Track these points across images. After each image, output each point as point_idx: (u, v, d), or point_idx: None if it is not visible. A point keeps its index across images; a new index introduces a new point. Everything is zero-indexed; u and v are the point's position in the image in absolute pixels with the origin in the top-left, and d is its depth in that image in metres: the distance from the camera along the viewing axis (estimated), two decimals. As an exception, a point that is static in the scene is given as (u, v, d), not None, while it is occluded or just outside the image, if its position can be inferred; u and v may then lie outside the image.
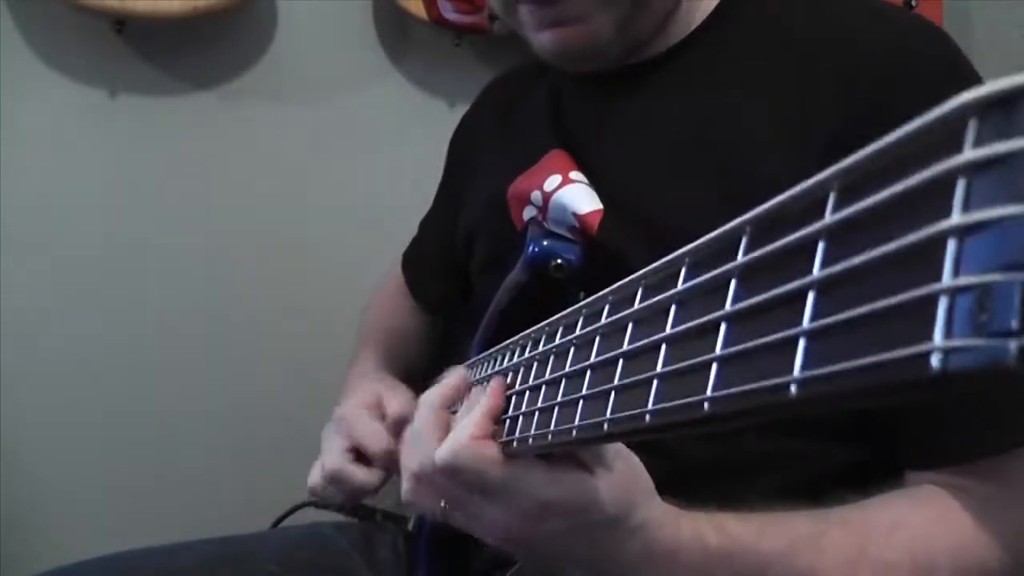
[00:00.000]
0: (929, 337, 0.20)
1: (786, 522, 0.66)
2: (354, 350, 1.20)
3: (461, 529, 0.64)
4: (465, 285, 1.10)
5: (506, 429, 0.57)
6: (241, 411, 1.65)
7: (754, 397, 0.27)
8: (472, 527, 0.63)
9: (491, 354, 0.69)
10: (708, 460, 0.76)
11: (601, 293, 0.46)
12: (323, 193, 1.69)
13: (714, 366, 0.31)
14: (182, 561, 0.96)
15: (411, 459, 0.62)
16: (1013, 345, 0.19)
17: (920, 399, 0.22)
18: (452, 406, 0.65)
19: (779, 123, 0.75)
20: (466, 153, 1.15)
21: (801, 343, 0.25)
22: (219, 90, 1.64)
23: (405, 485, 0.66)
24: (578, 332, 0.49)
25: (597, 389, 0.43)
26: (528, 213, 0.89)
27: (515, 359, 0.60)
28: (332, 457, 0.93)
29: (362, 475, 0.91)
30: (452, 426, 0.61)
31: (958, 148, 0.21)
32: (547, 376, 0.52)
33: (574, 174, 0.85)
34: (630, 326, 0.41)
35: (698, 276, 0.34)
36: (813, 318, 0.25)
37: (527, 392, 0.55)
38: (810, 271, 0.26)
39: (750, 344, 0.28)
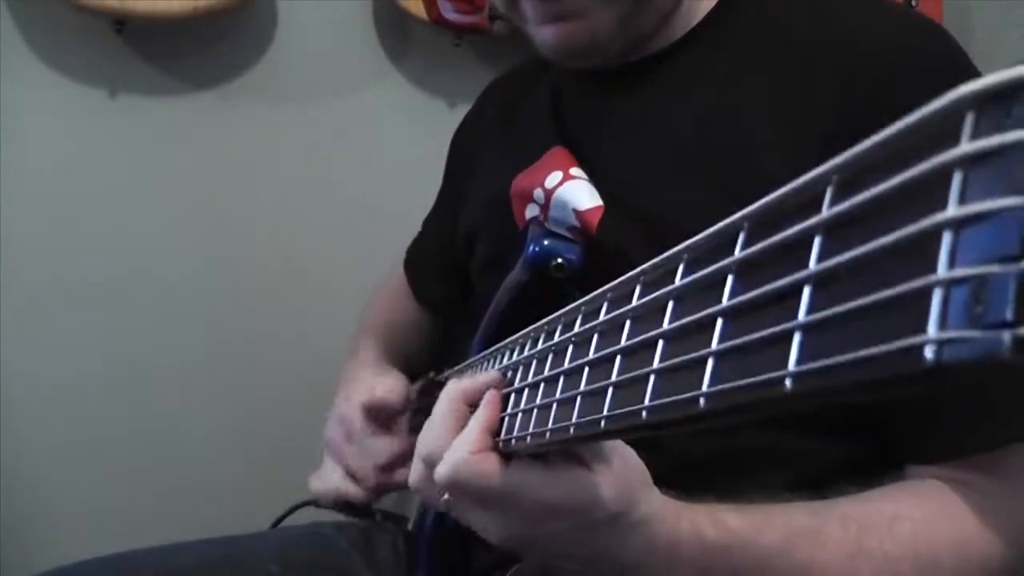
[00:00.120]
0: (923, 329, 0.20)
1: (785, 515, 0.66)
2: (354, 343, 1.20)
3: (463, 523, 0.64)
4: (466, 285, 1.10)
5: (504, 428, 0.57)
6: (241, 411, 1.65)
7: (749, 392, 0.27)
8: (475, 527, 0.63)
9: (491, 353, 0.69)
10: (707, 456, 0.76)
11: (600, 290, 0.46)
12: (323, 193, 1.69)
13: (710, 362, 0.31)
14: (182, 561, 0.96)
15: (423, 445, 0.62)
16: (1007, 336, 0.19)
17: (916, 392, 0.22)
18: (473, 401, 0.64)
19: (779, 121, 0.75)
20: (467, 153, 1.15)
21: (796, 337, 0.25)
22: (219, 90, 1.64)
23: (415, 470, 0.66)
24: (577, 330, 0.49)
25: (594, 386, 0.43)
26: (531, 211, 0.89)
27: (514, 357, 0.60)
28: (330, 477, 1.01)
29: (360, 495, 1.00)
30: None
31: (955, 141, 0.21)
32: (545, 374, 0.52)
33: (575, 171, 0.86)
34: (628, 323, 0.41)
35: (696, 272, 0.34)
36: (809, 312, 0.25)
37: (526, 390, 0.55)
38: (807, 266, 0.26)
39: (745, 339, 0.28)
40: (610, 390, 0.41)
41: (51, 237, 1.56)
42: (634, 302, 0.40)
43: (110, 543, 0.99)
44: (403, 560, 1.02)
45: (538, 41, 0.86)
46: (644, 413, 0.36)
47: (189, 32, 1.59)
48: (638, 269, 0.41)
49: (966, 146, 0.21)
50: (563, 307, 0.53)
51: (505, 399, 0.58)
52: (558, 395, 0.49)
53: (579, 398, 0.45)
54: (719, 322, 0.31)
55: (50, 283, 1.56)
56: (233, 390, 1.65)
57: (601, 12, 0.81)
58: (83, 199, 1.58)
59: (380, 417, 1.01)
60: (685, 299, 0.35)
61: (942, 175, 0.21)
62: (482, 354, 0.73)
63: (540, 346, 0.55)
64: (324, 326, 1.57)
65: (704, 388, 0.31)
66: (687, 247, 0.36)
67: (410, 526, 1.05)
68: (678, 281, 0.36)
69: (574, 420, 0.45)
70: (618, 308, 0.43)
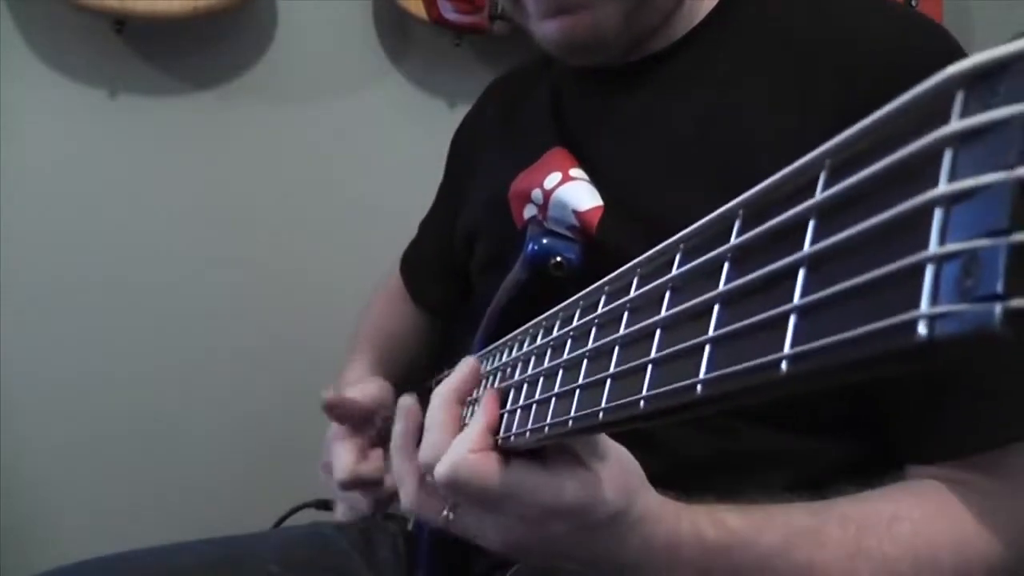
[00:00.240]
0: (916, 305, 0.20)
1: (785, 515, 0.66)
2: (350, 352, 1.20)
3: (464, 535, 0.64)
4: (464, 286, 1.10)
5: (503, 425, 0.57)
6: (241, 411, 1.65)
7: (746, 377, 0.27)
8: (475, 536, 0.63)
9: (491, 350, 0.69)
10: (706, 457, 0.76)
11: (597, 284, 0.46)
12: (323, 193, 1.69)
13: (706, 348, 0.31)
14: (182, 561, 0.96)
15: (421, 451, 0.62)
16: (998, 309, 0.19)
17: (911, 368, 0.22)
18: (465, 398, 0.64)
19: (779, 121, 0.75)
20: (467, 153, 1.15)
21: (792, 320, 0.25)
22: (219, 90, 1.64)
23: (407, 491, 0.65)
24: (575, 324, 0.49)
25: (593, 378, 0.43)
26: (529, 211, 0.89)
27: (514, 353, 0.60)
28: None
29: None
30: (464, 421, 0.61)
31: (945, 120, 0.21)
32: (544, 367, 0.52)
33: (574, 171, 0.85)
34: (626, 314, 0.41)
35: (691, 262, 0.34)
36: (803, 295, 0.25)
37: (525, 385, 0.55)
38: (801, 250, 0.26)
39: (741, 324, 0.28)
40: (608, 381, 0.41)
41: (51, 237, 1.56)
42: (631, 294, 0.40)
43: (110, 543, 0.99)
44: (403, 560, 1.02)
45: (540, 37, 0.85)
46: (642, 403, 0.36)
47: (189, 32, 1.59)
48: (634, 261, 0.41)
49: (956, 124, 0.21)
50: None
51: (504, 396, 0.58)
52: (557, 389, 0.49)
53: (578, 391, 0.45)
54: (715, 309, 0.31)
55: (50, 283, 1.56)
56: (233, 390, 1.65)
57: (607, 6, 0.81)
58: (83, 199, 1.58)
59: (348, 417, 0.99)
60: (682, 289, 0.35)
61: (933, 153, 0.21)
62: (481, 352, 0.73)
63: (539, 342, 0.55)
64: (324, 326, 1.57)
65: (701, 375, 0.31)
66: (683, 237, 0.36)
67: (410, 526, 1.05)
68: (674, 271, 0.36)
69: (573, 413, 0.45)
70: (615, 300, 0.43)
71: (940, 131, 0.21)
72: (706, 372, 0.30)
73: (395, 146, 1.71)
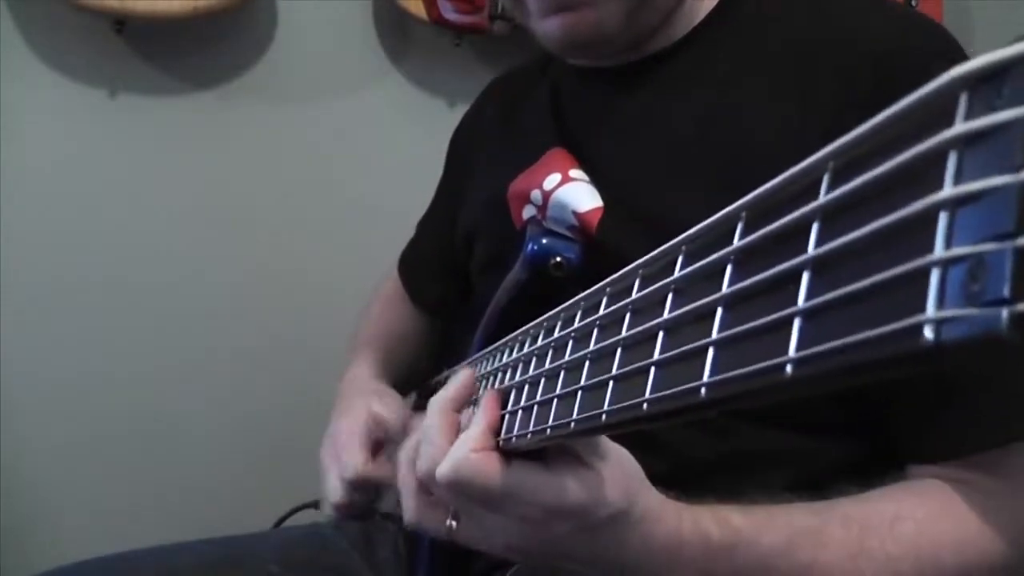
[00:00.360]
0: (922, 309, 0.20)
1: (787, 515, 0.66)
2: (351, 351, 1.20)
3: (467, 542, 0.63)
4: (463, 286, 1.10)
5: (504, 426, 0.56)
6: (241, 411, 1.65)
7: (750, 380, 0.27)
8: (478, 541, 0.63)
9: (491, 351, 0.69)
10: (707, 457, 0.76)
11: (599, 285, 0.46)
12: (323, 193, 1.69)
13: (710, 351, 0.31)
14: (182, 561, 0.96)
15: (420, 462, 0.61)
16: (1005, 313, 0.19)
17: (916, 373, 0.22)
18: (462, 407, 0.64)
19: (779, 121, 0.75)
20: (466, 153, 1.15)
21: (796, 323, 0.25)
22: (219, 90, 1.65)
23: (409, 502, 0.65)
24: (576, 325, 0.48)
25: (595, 380, 0.43)
26: (528, 212, 0.89)
27: (514, 354, 0.60)
28: (331, 486, 0.96)
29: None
30: (462, 428, 0.61)
31: (949, 122, 0.21)
32: (545, 369, 0.52)
33: (574, 172, 0.85)
34: (628, 316, 0.41)
35: (694, 264, 0.34)
36: (808, 298, 0.25)
37: (526, 387, 0.55)
38: (805, 252, 0.26)
39: (745, 327, 0.28)
40: (611, 383, 0.41)
41: (51, 237, 1.56)
42: (633, 295, 0.40)
43: (110, 543, 0.99)
44: (403, 560, 1.01)
45: (541, 34, 0.85)
46: (645, 405, 0.36)
47: (189, 32, 1.59)
48: (637, 263, 0.41)
49: (960, 127, 0.21)
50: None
51: (505, 397, 0.58)
52: (558, 390, 0.49)
53: (580, 392, 0.45)
54: (719, 311, 0.31)
55: (50, 283, 1.56)
56: (233, 390, 1.65)
57: (609, 4, 0.80)
58: (83, 199, 1.58)
59: (377, 435, 0.99)
60: (684, 291, 0.35)
61: (937, 156, 0.21)
62: (481, 353, 0.73)
63: (539, 343, 0.55)
64: (324, 326, 1.57)
65: (705, 378, 0.31)
66: (685, 239, 0.36)
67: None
68: (677, 273, 0.36)
69: (575, 415, 0.45)
70: (618, 302, 0.43)
71: (944, 134, 0.21)
72: (710, 375, 0.30)
73: (395, 146, 1.71)
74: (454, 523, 0.62)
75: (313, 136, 1.69)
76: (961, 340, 0.20)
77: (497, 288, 0.85)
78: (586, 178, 0.85)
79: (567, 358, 0.49)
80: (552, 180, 0.86)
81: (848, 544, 0.65)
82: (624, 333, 0.41)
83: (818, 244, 0.25)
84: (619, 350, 0.41)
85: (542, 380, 0.52)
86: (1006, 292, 0.19)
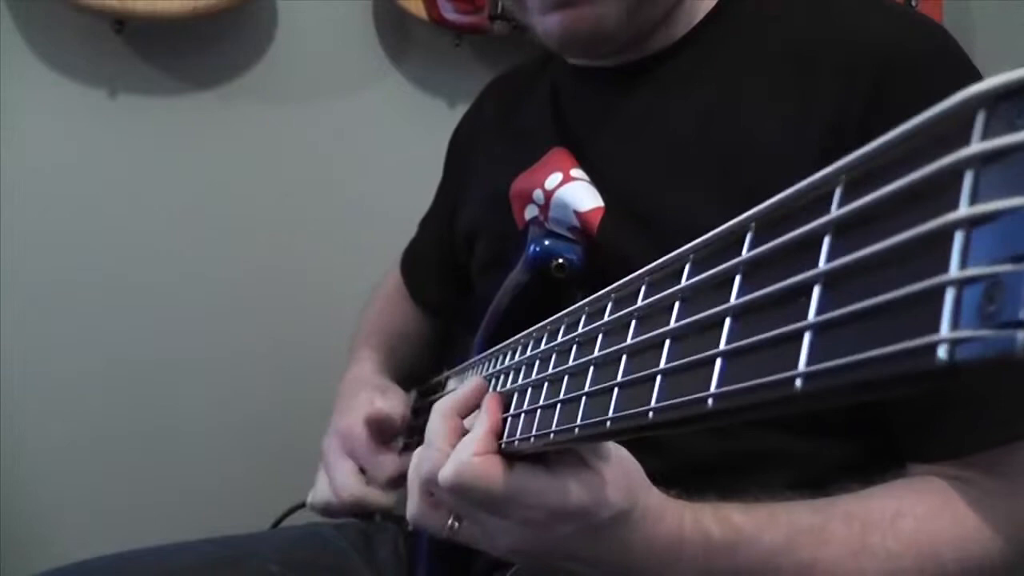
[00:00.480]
0: (936, 329, 0.20)
1: (788, 513, 0.66)
2: (352, 350, 1.20)
3: (469, 543, 0.63)
4: (464, 285, 1.10)
5: (507, 430, 0.56)
6: (241, 411, 1.65)
7: (759, 392, 0.27)
8: (480, 542, 0.63)
9: (493, 353, 0.68)
10: (708, 457, 0.76)
11: (604, 291, 0.46)
12: (323, 193, 1.69)
13: (718, 362, 0.31)
14: (182, 561, 0.96)
15: (421, 466, 0.61)
16: (1021, 336, 0.19)
17: (927, 391, 0.22)
18: (466, 413, 0.64)
19: (779, 121, 0.75)
20: (466, 153, 1.15)
21: (807, 337, 0.25)
22: (219, 90, 1.64)
23: (412, 501, 0.65)
24: (581, 330, 0.48)
25: (600, 386, 0.43)
26: (530, 212, 0.89)
27: (517, 357, 0.60)
28: (345, 481, 0.97)
29: (383, 499, 0.97)
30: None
31: (966, 141, 0.21)
32: (549, 373, 0.52)
33: (575, 172, 0.85)
34: (633, 323, 0.41)
35: (702, 273, 0.34)
36: (819, 312, 0.25)
37: (529, 391, 0.55)
38: (816, 266, 0.26)
39: (755, 339, 0.28)
40: (616, 390, 0.41)
41: (51, 237, 1.56)
42: (639, 302, 0.40)
43: (110, 543, 0.99)
44: (403, 560, 1.02)
45: (542, 31, 0.85)
46: (651, 414, 0.36)
47: (189, 32, 1.59)
48: (643, 269, 0.41)
49: (977, 145, 0.21)
50: (564, 307, 0.52)
51: (507, 400, 0.58)
52: (562, 395, 0.49)
53: (584, 398, 0.45)
54: (727, 322, 0.31)
55: (50, 283, 1.56)
56: (233, 390, 1.64)
57: (609, 0, 0.80)
58: (83, 199, 1.58)
59: (383, 432, 1.00)
60: (692, 299, 0.35)
61: (953, 174, 0.21)
62: (483, 354, 0.73)
63: (543, 346, 0.55)
64: (324, 326, 1.57)
65: (712, 389, 0.31)
66: (693, 247, 0.36)
67: (410, 527, 1.05)
68: (684, 281, 0.36)
69: (579, 421, 0.45)
70: (623, 308, 0.43)
71: (961, 152, 0.21)
72: (717, 386, 0.30)
73: (395, 146, 1.71)
74: (456, 524, 0.62)
75: (313, 136, 1.69)
76: (975, 361, 0.20)
77: (498, 287, 0.85)
78: (587, 178, 0.85)
79: (571, 363, 0.49)
80: (554, 180, 0.86)
81: (849, 541, 0.66)
82: (630, 340, 0.41)
83: (829, 258, 0.25)
84: (624, 357, 0.41)
85: (545, 384, 0.52)
86: (1022, 315, 0.19)
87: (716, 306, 0.32)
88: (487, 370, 0.68)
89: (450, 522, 0.62)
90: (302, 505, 1.13)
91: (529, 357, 0.57)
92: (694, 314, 0.34)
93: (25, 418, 1.53)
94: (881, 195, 0.23)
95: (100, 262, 1.59)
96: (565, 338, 0.51)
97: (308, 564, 0.98)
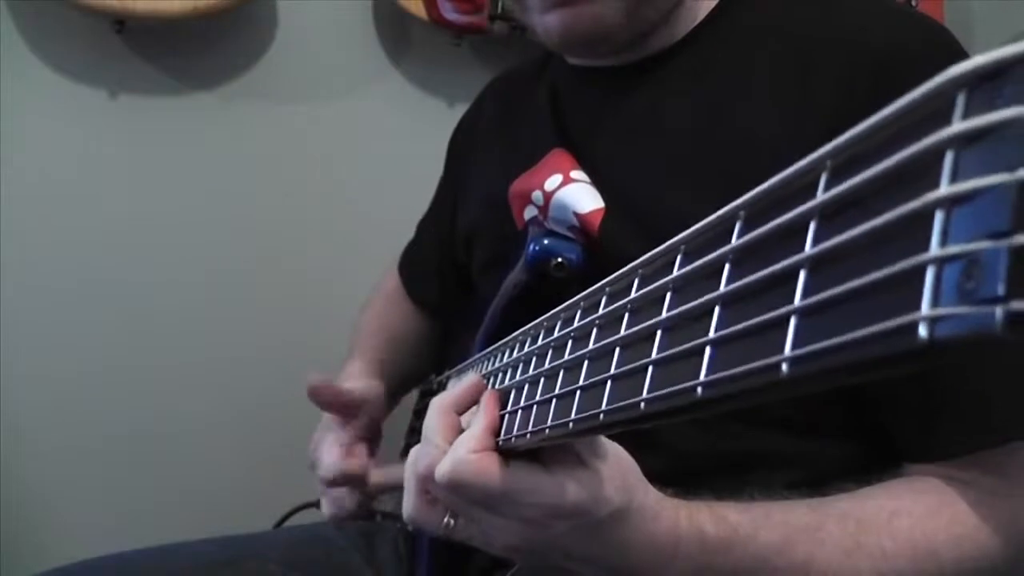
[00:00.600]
0: (917, 307, 0.20)
1: (784, 513, 0.66)
2: (349, 353, 1.20)
3: (466, 541, 0.63)
4: (463, 285, 1.10)
5: (504, 426, 0.56)
6: (243, 411, 1.65)
7: (746, 379, 0.27)
8: (477, 539, 0.63)
9: (491, 351, 0.69)
10: (707, 457, 0.76)
11: (598, 285, 0.46)
12: (323, 193, 1.69)
13: (707, 350, 0.31)
14: (182, 561, 0.96)
15: (418, 462, 0.61)
16: (999, 311, 0.19)
17: (912, 370, 0.22)
18: (464, 410, 0.64)
19: (779, 121, 0.75)
20: (465, 153, 1.15)
21: (792, 322, 0.25)
22: (219, 90, 1.64)
23: (409, 499, 0.65)
24: (576, 324, 0.48)
25: (593, 379, 0.43)
26: (529, 213, 0.89)
27: (514, 355, 0.60)
28: (328, 464, 0.98)
29: (361, 465, 0.97)
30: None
31: (947, 121, 0.21)
32: (545, 369, 0.52)
33: (575, 173, 0.85)
34: (626, 316, 0.41)
35: (693, 263, 0.34)
36: (804, 296, 0.25)
37: (525, 387, 0.55)
38: (802, 250, 0.26)
39: (741, 325, 0.28)
40: (609, 383, 0.41)
41: (51, 237, 1.56)
42: (632, 295, 0.40)
43: (111, 543, 0.99)
44: (403, 560, 1.02)
45: (542, 30, 0.85)
46: (643, 404, 0.36)
47: (189, 32, 1.59)
48: (636, 262, 0.41)
49: (957, 126, 0.21)
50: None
51: (504, 397, 0.58)
52: (557, 390, 0.49)
53: (578, 392, 0.45)
54: (716, 310, 0.31)
55: (50, 283, 1.56)
56: (233, 390, 1.64)
57: None
58: (83, 199, 1.58)
59: (347, 408, 1.01)
60: (683, 290, 0.35)
61: (934, 155, 0.21)
62: (482, 353, 0.73)
63: (539, 343, 0.55)
64: (324, 326, 1.57)
65: (701, 377, 0.31)
66: (684, 238, 0.36)
67: (410, 526, 1.05)
68: (675, 272, 0.36)
69: (573, 415, 0.45)
70: (616, 301, 0.43)
71: (941, 133, 0.21)
72: (707, 374, 0.30)
73: (395, 146, 1.71)
74: (452, 522, 0.62)
75: (313, 136, 1.69)
76: (955, 338, 0.20)
77: (498, 288, 0.85)
78: (587, 179, 0.85)
79: (566, 358, 0.49)
80: (553, 181, 0.86)
81: (845, 541, 0.65)
82: (623, 332, 0.41)
83: (815, 243, 0.25)
84: (618, 349, 0.41)
85: (541, 380, 0.52)
86: (1001, 290, 0.19)
87: (706, 295, 0.32)
88: (485, 369, 0.68)
89: (446, 520, 0.62)
90: (304, 505, 1.14)
91: (525, 354, 0.57)
92: (685, 304, 0.34)
93: (25, 418, 1.54)
94: (865, 178, 0.23)
95: (100, 262, 1.59)
96: (560, 333, 0.51)
97: (308, 564, 0.98)
